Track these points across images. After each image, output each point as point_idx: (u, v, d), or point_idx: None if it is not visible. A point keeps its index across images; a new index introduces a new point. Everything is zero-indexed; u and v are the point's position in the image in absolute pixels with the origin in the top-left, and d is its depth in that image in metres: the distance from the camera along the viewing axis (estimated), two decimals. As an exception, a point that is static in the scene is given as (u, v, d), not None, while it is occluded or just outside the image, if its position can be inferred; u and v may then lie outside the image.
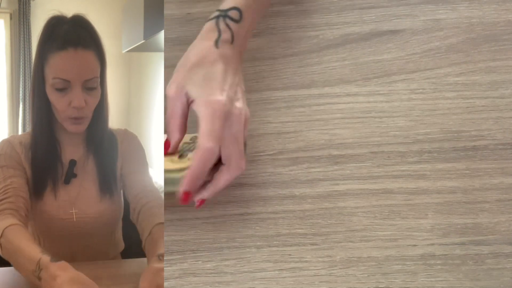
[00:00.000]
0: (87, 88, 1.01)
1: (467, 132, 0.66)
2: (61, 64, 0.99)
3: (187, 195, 0.58)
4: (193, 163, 0.56)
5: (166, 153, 0.61)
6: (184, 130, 0.60)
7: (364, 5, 0.72)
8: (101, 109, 1.07)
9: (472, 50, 0.69)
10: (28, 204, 1.00)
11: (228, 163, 0.58)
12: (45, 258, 0.81)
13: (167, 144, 0.61)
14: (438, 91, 0.68)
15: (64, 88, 1.00)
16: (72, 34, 1.01)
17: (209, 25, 0.60)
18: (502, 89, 0.68)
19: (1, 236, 0.89)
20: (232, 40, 0.60)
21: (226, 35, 0.60)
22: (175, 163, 0.60)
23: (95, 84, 1.01)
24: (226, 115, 0.57)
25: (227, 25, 0.60)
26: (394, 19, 0.71)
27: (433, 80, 0.68)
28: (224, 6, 0.61)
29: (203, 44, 0.60)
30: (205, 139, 0.56)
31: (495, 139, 0.66)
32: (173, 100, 0.59)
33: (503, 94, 0.68)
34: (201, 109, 0.57)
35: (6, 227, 0.90)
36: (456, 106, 0.67)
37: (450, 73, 0.68)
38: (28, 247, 0.86)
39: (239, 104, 0.58)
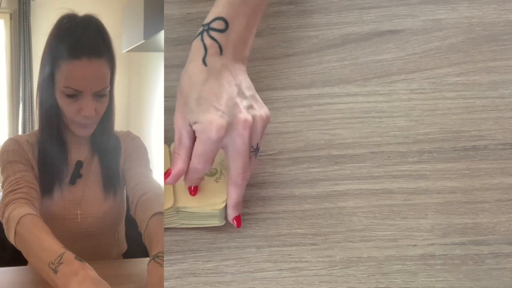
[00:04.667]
0: (98, 96, 1.00)
1: (467, 132, 0.66)
2: (73, 73, 0.96)
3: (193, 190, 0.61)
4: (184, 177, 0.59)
5: (166, 182, 0.60)
6: (189, 161, 0.59)
7: (364, 5, 0.72)
8: (109, 113, 1.06)
9: (472, 50, 0.69)
10: (39, 197, 1.00)
11: (230, 177, 0.59)
12: (70, 254, 0.81)
13: (167, 173, 0.60)
14: (438, 91, 0.68)
15: (74, 95, 0.99)
16: (86, 41, 0.97)
17: (195, 43, 0.58)
18: (502, 89, 0.68)
19: (17, 223, 0.89)
20: (220, 52, 0.58)
21: (212, 49, 0.57)
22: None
23: (105, 92, 1.00)
24: (223, 133, 0.55)
25: (212, 38, 0.57)
26: (394, 19, 0.71)
27: (433, 80, 0.68)
28: (207, 19, 0.59)
29: (192, 65, 0.58)
30: (195, 160, 0.57)
31: (495, 139, 0.66)
32: (180, 129, 0.58)
33: (503, 94, 0.67)
34: (198, 135, 0.56)
35: (23, 215, 0.89)
36: (456, 106, 0.67)
37: (450, 73, 0.68)
38: (50, 238, 0.85)
39: (242, 114, 0.56)
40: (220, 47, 0.57)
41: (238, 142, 0.56)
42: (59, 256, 0.80)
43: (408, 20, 0.71)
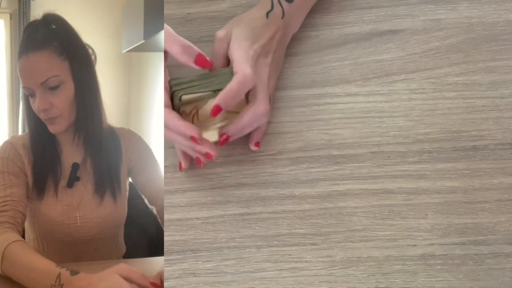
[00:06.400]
0: (50, 88, 1.00)
1: (467, 132, 0.66)
2: (20, 73, 1.02)
3: (218, 109, 0.57)
4: (231, 84, 0.58)
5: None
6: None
7: (364, 5, 0.72)
8: (85, 107, 1.05)
9: (472, 50, 0.69)
10: (24, 219, 0.99)
11: (254, 100, 0.60)
12: (65, 273, 0.81)
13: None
14: (438, 91, 0.68)
15: (31, 94, 1.02)
16: (25, 41, 1.02)
17: (264, 0, 0.64)
18: (502, 89, 0.68)
19: (5, 249, 0.88)
20: (282, 16, 0.64)
21: (277, 10, 0.64)
22: None
23: (55, 83, 1.00)
24: (256, 60, 0.61)
25: (279, 2, 0.64)
26: (394, 19, 0.71)
27: (433, 80, 0.68)
28: None
29: (256, 12, 0.64)
30: (244, 65, 0.59)
31: (495, 139, 0.66)
32: (220, 41, 0.63)
33: (503, 94, 0.68)
34: (235, 48, 0.61)
35: (11, 242, 0.89)
36: (456, 106, 0.67)
37: (450, 73, 0.68)
38: (41, 262, 0.86)
39: (268, 59, 0.62)
40: (283, 12, 0.64)
41: (263, 73, 0.62)
42: (57, 277, 0.81)
43: (408, 20, 0.71)
